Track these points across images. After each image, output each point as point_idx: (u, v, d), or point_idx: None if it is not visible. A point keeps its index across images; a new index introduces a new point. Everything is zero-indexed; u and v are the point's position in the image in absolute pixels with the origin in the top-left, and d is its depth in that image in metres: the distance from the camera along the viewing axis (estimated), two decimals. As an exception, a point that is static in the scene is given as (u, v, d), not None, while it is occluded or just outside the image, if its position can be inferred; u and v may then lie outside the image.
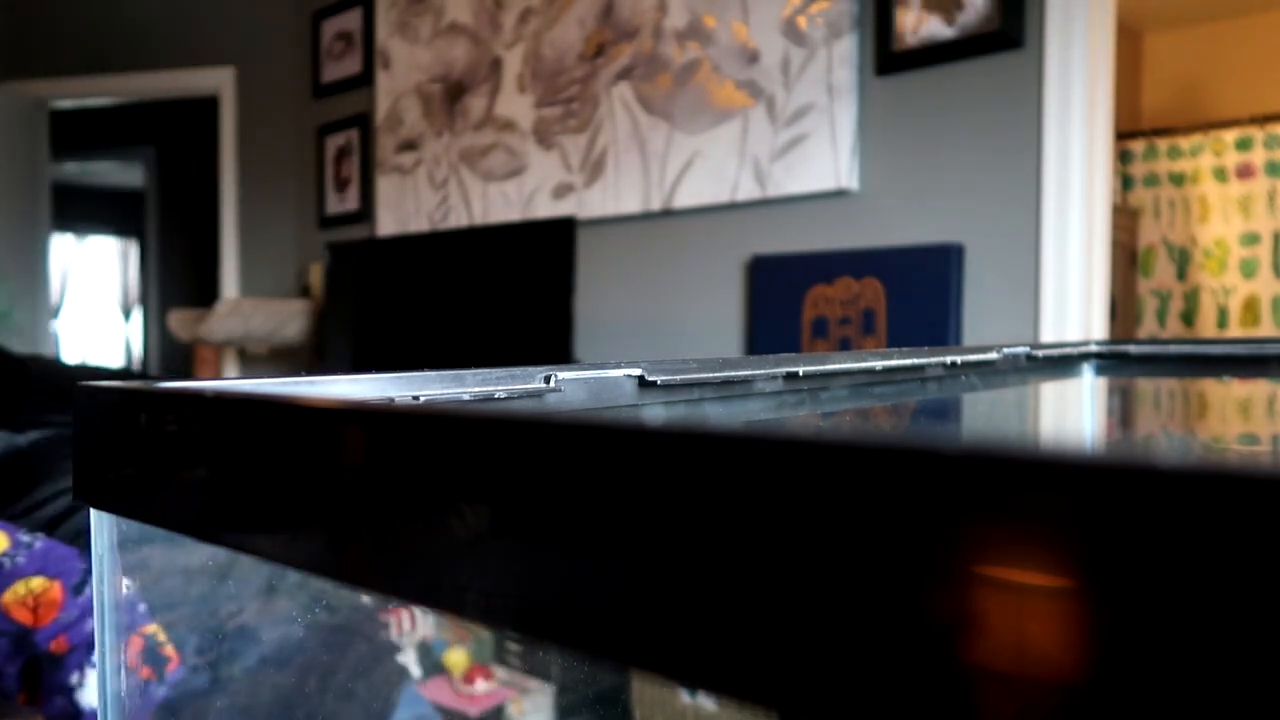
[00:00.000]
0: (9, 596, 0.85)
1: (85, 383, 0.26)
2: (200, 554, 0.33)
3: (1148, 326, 3.63)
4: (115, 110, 5.04)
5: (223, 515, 0.22)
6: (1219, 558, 0.10)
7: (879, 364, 0.47)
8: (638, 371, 0.39)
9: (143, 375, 1.22)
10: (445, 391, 0.33)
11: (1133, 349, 0.60)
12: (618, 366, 0.38)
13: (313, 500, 0.19)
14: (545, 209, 2.42)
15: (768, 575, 0.13)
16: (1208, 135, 3.54)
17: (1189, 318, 3.58)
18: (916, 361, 0.48)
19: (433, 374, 0.33)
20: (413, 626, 1.82)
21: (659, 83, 2.18)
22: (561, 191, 2.39)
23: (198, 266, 5.20)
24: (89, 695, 0.85)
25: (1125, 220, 3.55)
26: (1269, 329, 3.42)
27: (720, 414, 0.42)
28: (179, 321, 3.10)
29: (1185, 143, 3.58)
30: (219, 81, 3.38)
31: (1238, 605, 0.09)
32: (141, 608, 0.31)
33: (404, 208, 2.82)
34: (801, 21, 1.93)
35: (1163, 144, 3.63)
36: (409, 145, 2.81)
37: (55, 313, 6.11)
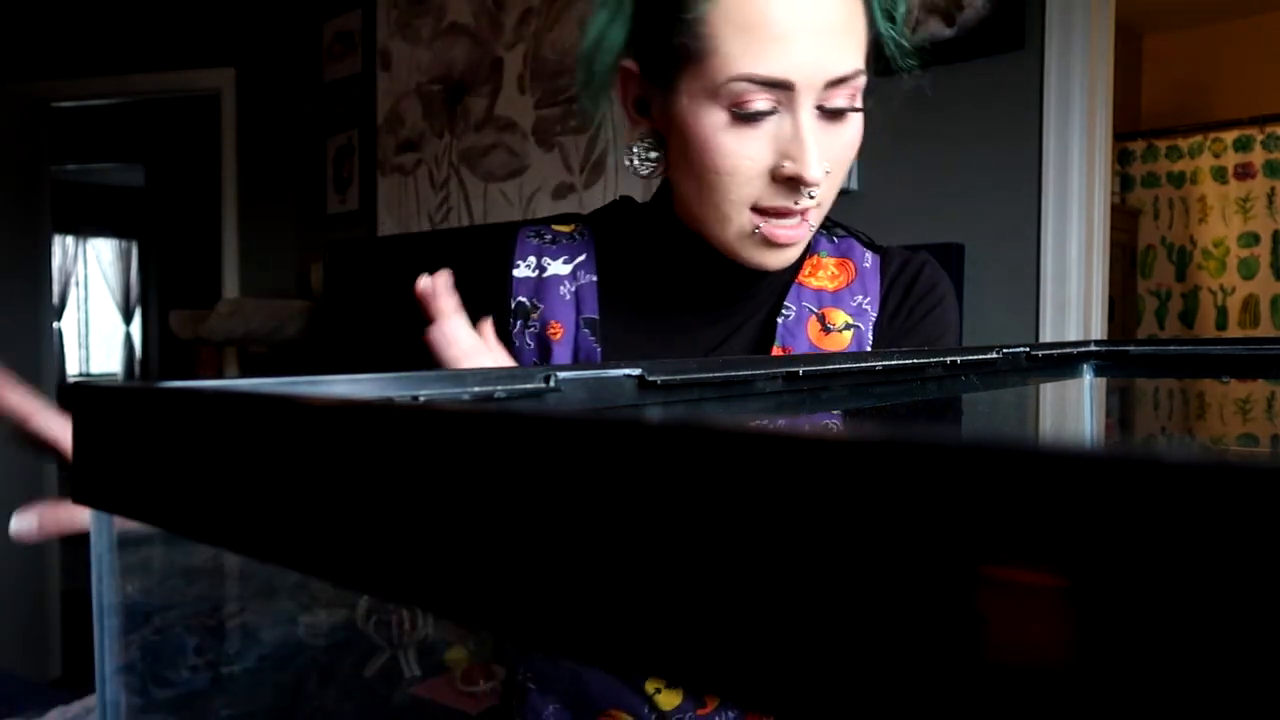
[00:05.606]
0: None
1: (84, 382, 0.26)
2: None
3: (1147, 327, 3.63)
4: (115, 110, 5.04)
5: (223, 515, 0.22)
6: (1219, 558, 0.10)
7: (879, 364, 0.47)
8: (638, 371, 0.39)
9: None
10: (445, 391, 0.33)
11: (1133, 349, 0.60)
12: (618, 366, 0.38)
13: (313, 500, 0.19)
14: (546, 209, 2.41)
15: (768, 575, 0.13)
16: (1207, 136, 3.54)
17: (1188, 318, 3.58)
18: (916, 361, 0.48)
19: (432, 374, 0.33)
20: (412, 626, 1.82)
21: (659, 83, 2.18)
22: (562, 192, 2.39)
23: (198, 266, 5.19)
24: None
25: (1124, 220, 3.55)
26: (1268, 329, 3.41)
27: (720, 414, 0.42)
28: (179, 321, 3.10)
29: (1185, 143, 3.59)
30: (219, 81, 3.37)
31: (1238, 605, 0.09)
32: None
33: (404, 208, 2.82)
34: (801, 22, 1.93)
35: (1162, 144, 3.63)
36: (409, 145, 2.81)
37: (56, 314, 6.10)
